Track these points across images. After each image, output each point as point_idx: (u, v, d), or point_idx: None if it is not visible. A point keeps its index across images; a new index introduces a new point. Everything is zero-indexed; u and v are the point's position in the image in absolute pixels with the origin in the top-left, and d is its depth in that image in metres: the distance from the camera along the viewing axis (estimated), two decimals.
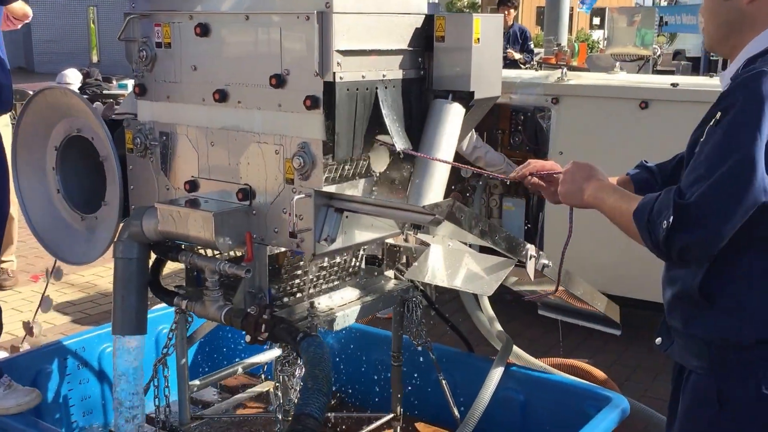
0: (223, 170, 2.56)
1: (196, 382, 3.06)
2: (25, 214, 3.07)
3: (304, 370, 2.05)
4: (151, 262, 2.75)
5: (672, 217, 1.70)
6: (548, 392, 3.21)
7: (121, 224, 2.74)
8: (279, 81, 2.34)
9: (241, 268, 2.41)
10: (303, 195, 2.34)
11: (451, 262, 2.71)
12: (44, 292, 3.90)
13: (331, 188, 2.41)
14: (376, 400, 3.54)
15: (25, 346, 4.19)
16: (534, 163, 2.36)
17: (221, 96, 2.49)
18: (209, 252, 2.67)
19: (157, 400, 2.96)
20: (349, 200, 2.34)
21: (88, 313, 5.44)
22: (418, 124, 2.55)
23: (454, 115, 2.51)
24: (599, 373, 3.76)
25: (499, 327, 4.08)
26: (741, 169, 1.69)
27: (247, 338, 2.34)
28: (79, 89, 10.34)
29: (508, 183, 4.98)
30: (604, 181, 2.06)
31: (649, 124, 4.58)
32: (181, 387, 2.97)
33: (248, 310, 2.37)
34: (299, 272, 2.72)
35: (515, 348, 3.87)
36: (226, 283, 2.60)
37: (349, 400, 3.62)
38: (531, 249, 2.61)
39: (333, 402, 3.56)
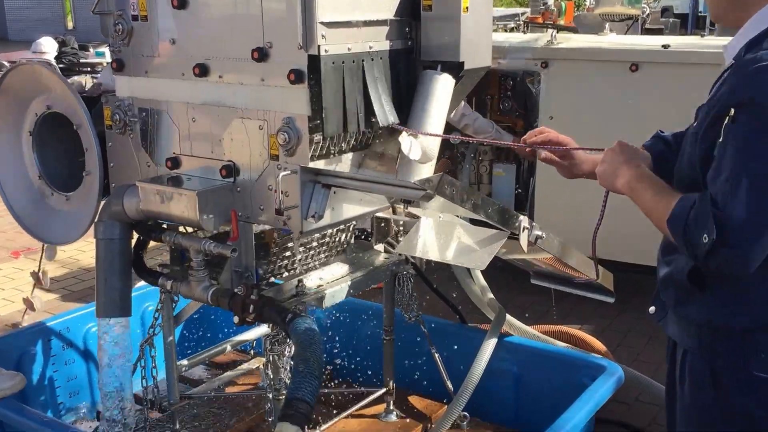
0: (206, 147, 2.47)
1: (185, 361, 3.01)
2: (2, 195, 2.98)
3: (294, 350, 1.99)
4: (134, 242, 2.68)
5: (715, 234, 1.64)
6: (542, 363, 3.18)
7: (102, 203, 2.66)
8: (261, 54, 2.25)
9: (226, 248, 2.35)
10: (288, 172, 2.26)
11: (442, 236, 2.65)
12: (39, 269, 3.84)
13: (318, 164, 2.33)
14: (369, 373, 3.51)
15: (28, 321, 4.13)
16: (549, 134, 2.29)
17: (201, 70, 2.39)
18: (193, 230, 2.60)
19: (144, 380, 2.92)
20: (336, 176, 2.27)
21: (71, 289, 5.37)
22: (407, 96, 2.47)
23: (443, 86, 2.42)
24: (597, 344, 3.76)
25: (491, 296, 4.04)
26: None
27: (236, 319, 2.28)
28: (55, 58, 10.15)
29: (514, 149, 4.92)
30: (642, 171, 1.94)
31: (641, 86, 4.51)
32: (169, 366, 2.92)
33: (235, 290, 2.31)
34: (287, 250, 2.65)
35: (509, 317, 3.84)
36: (212, 261, 2.53)
37: (341, 372, 3.58)
38: (524, 221, 2.55)
39: (325, 372, 3.52)
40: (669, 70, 4.45)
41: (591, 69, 4.69)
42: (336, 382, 3.51)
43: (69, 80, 2.74)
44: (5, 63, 9.78)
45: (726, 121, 1.69)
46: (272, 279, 2.61)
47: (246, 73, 2.32)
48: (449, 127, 4.85)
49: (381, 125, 2.38)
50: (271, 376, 2.64)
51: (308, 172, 2.28)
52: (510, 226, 2.53)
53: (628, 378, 3.68)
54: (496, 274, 4.50)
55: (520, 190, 5.19)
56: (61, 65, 10.18)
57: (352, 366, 3.58)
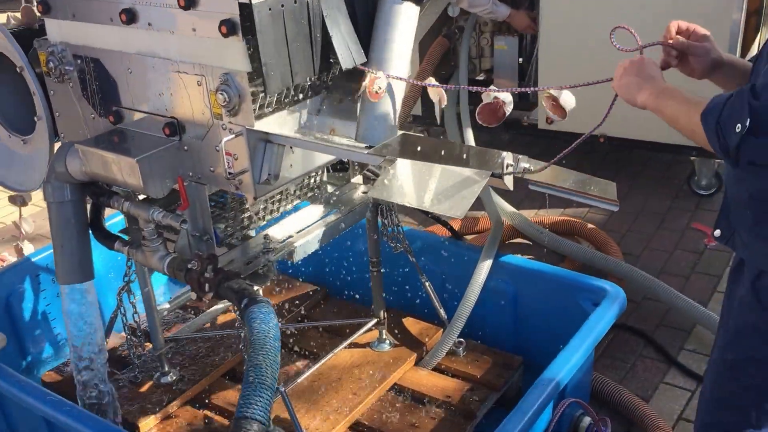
0: (147, 101, 2.22)
1: (166, 305, 2.91)
2: None
3: (247, 348, 1.84)
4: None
5: (748, 120, 1.57)
6: (540, 284, 3.01)
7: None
8: (188, 1, 1.94)
9: (176, 218, 2.15)
10: (233, 135, 2.02)
11: (420, 178, 2.41)
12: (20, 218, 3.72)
13: (268, 120, 2.08)
14: (362, 292, 3.38)
15: (28, 246, 4.04)
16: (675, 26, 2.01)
17: (129, 17, 2.10)
18: None
19: (126, 328, 2.83)
20: (286, 138, 2.02)
21: None
22: (366, 31, 2.16)
23: (405, 17, 2.11)
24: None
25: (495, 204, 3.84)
26: None
27: (193, 296, 2.12)
28: None
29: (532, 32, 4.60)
30: (668, 85, 1.85)
31: None
32: (150, 314, 2.82)
33: (188, 265, 2.13)
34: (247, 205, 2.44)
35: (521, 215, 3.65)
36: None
37: (335, 294, 3.46)
38: (508, 157, 2.30)
39: (317, 291, 3.41)
40: None
41: None
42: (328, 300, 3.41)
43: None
44: None
45: None
46: (234, 238, 2.42)
47: (175, 21, 2.03)
48: None
49: (344, 68, 2.10)
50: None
51: (255, 133, 2.03)
52: (492, 166, 2.28)
53: (639, 283, 3.53)
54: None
55: (521, 61, 4.86)
56: None
57: (344, 286, 3.45)
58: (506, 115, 2.64)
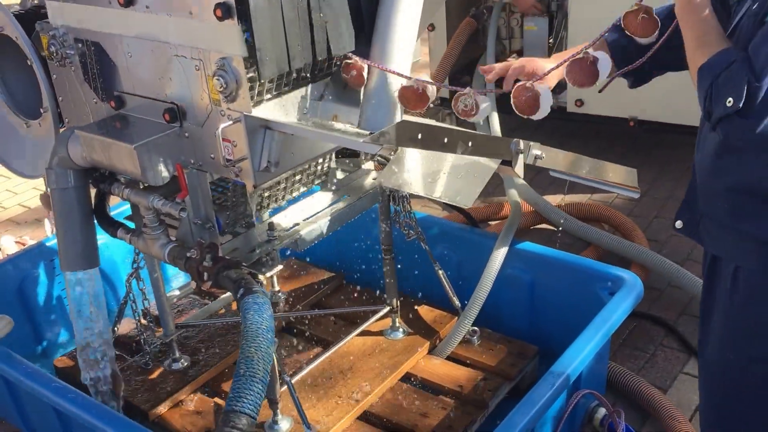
0: (147, 86, 2.17)
1: (176, 291, 2.89)
2: None
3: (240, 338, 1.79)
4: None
5: (743, 100, 1.50)
6: (557, 272, 2.93)
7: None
8: None
9: (175, 206, 2.11)
10: (230, 122, 1.97)
11: (429, 166, 2.34)
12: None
13: (267, 106, 2.02)
14: (379, 276, 3.32)
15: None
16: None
17: None
18: None
19: (136, 314, 2.81)
20: (283, 125, 1.96)
21: None
22: (369, 11, 2.08)
23: (408, 2, 2.03)
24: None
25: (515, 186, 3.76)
26: None
27: (193, 285, 2.09)
28: None
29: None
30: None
31: None
32: (159, 300, 2.80)
33: (188, 254, 2.09)
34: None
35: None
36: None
37: (354, 281, 3.40)
38: (517, 143, 2.22)
39: (333, 278, 3.36)
40: None
41: None
42: (343, 287, 3.35)
43: None
44: None
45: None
46: (242, 224, 2.37)
47: (172, 3, 1.97)
48: None
49: (334, 54, 2.03)
50: None
51: (254, 119, 1.98)
52: (502, 153, 2.20)
53: (662, 271, 3.43)
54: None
55: (551, 42, 4.73)
56: None
57: (359, 272, 3.40)
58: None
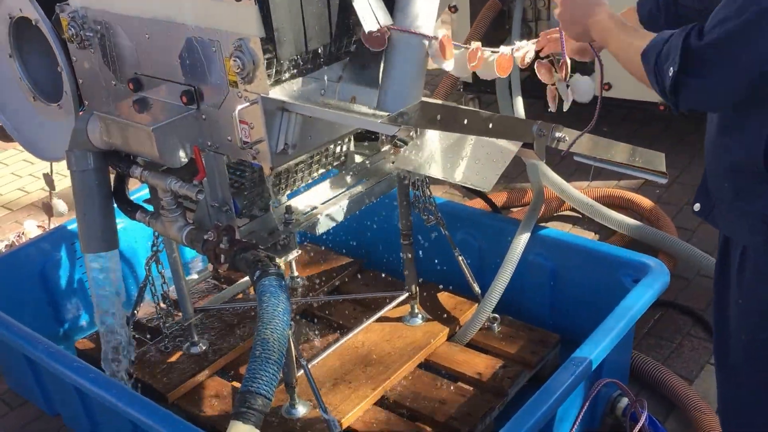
0: (165, 68, 2.16)
1: (194, 275, 2.88)
2: None
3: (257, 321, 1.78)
4: None
5: (678, 62, 1.52)
6: (579, 259, 2.88)
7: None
8: None
9: (192, 188, 2.10)
10: (247, 104, 1.95)
11: (448, 149, 2.31)
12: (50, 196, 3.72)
13: (284, 87, 2.00)
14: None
15: (60, 204, 4.02)
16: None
17: None
18: None
19: (155, 298, 2.81)
20: (300, 106, 1.94)
21: None
22: None
23: None
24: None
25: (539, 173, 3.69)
26: (761, 17, 1.42)
27: (210, 268, 2.08)
28: None
29: None
30: (613, 15, 1.78)
31: None
32: (178, 283, 2.80)
33: (205, 236, 2.08)
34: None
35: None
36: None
37: (375, 267, 3.38)
38: (539, 126, 2.17)
39: (353, 263, 3.34)
40: None
41: None
42: (363, 272, 3.33)
43: None
44: None
45: None
46: (259, 207, 2.36)
47: None
48: None
49: (366, 31, 1.99)
50: None
51: (271, 101, 1.96)
52: (523, 135, 2.16)
53: (690, 259, 3.37)
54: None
55: None
56: None
57: (381, 257, 3.38)
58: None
